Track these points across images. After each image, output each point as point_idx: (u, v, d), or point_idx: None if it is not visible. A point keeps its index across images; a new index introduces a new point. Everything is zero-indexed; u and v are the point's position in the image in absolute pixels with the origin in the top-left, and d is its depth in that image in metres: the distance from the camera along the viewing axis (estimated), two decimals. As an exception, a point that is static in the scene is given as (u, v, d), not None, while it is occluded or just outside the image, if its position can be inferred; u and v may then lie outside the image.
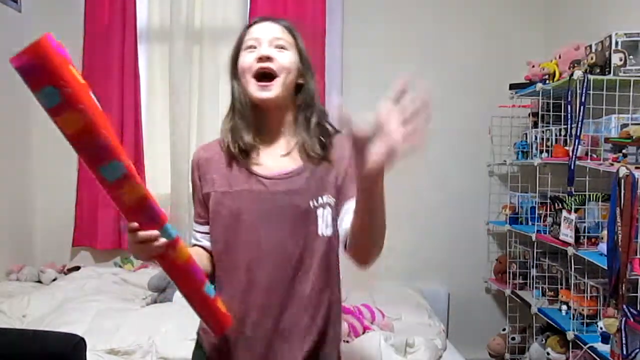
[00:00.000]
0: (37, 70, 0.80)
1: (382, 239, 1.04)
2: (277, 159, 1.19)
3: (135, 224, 0.95)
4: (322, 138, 1.19)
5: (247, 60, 1.16)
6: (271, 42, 1.17)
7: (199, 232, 1.28)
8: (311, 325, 1.18)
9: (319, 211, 1.16)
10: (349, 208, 1.09)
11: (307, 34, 3.58)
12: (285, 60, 1.16)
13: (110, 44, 3.20)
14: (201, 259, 1.22)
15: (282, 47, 1.17)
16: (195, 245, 1.28)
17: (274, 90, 1.15)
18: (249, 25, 1.22)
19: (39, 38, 0.79)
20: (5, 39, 2.98)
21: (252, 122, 1.20)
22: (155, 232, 0.96)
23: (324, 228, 1.16)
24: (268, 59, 1.14)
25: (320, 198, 1.16)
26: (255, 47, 1.16)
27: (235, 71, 1.21)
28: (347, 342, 2.19)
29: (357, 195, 0.97)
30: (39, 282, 2.96)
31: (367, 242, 1.05)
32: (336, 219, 1.17)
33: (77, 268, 3.10)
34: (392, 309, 2.64)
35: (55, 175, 3.27)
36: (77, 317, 2.28)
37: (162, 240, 0.97)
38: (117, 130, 3.19)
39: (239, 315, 1.16)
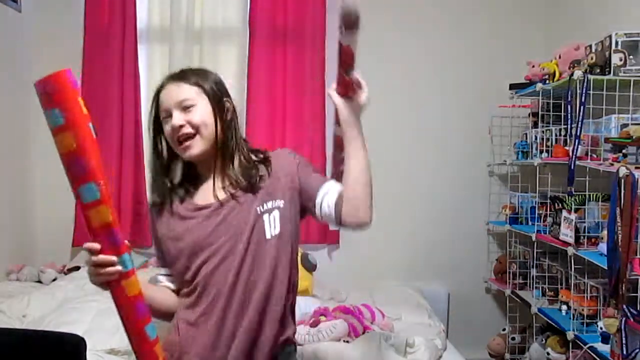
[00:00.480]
0: (51, 95, 0.98)
1: (370, 180, 1.25)
2: (212, 195, 1.28)
3: (96, 245, 1.06)
4: (249, 170, 1.28)
5: (167, 130, 1.26)
6: (179, 106, 1.24)
7: (161, 274, 1.35)
8: (265, 326, 1.24)
9: (265, 216, 1.24)
10: (325, 191, 1.26)
11: (307, 35, 3.58)
12: (196, 117, 1.24)
13: (110, 44, 3.19)
14: (167, 298, 1.31)
15: (189, 107, 1.24)
16: (161, 285, 1.35)
17: (195, 148, 1.25)
18: (158, 91, 1.29)
19: (59, 71, 0.97)
20: (5, 39, 2.98)
21: (177, 176, 1.32)
22: (112, 258, 1.06)
23: (272, 229, 1.24)
24: (181, 127, 1.23)
25: (266, 204, 1.25)
26: (169, 117, 1.25)
27: (159, 129, 1.29)
28: (347, 342, 2.19)
29: (346, 134, 1.32)
30: (39, 282, 2.95)
31: (361, 182, 1.25)
32: (286, 217, 1.26)
33: (77, 268, 3.10)
34: (392, 309, 2.64)
35: (55, 175, 3.22)
36: (77, 317, 2.28)
37: (117, 267, 1.07)
38: (117, 131, 3.19)
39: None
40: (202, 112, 1.25)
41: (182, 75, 1.29)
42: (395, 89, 3.34)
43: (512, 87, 2.97)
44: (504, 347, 2.99)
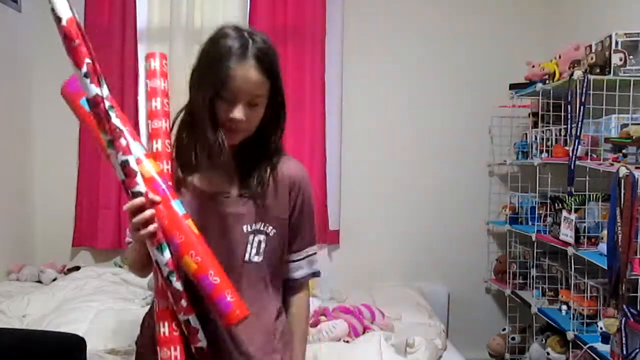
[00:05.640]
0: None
1: None
2: (217, 176, 1.18)
3: (157, 197, 1.03)
4: (266, 169, 1.19)
5: (221, 112, 1.11)
6: (248, 100, 1.11)
7: None
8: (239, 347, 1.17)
9: (251, 237, 1.16)
10: (299, 264, 1.25)
11: (307, 35, 3.56)
12: (256, 118, 1.14)
13: (110, 44, 3.19)
14: None
15: (255, 105, 1.12)
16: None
17: (238, 139, 1.15)
18: (229, 61, 1.09)
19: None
20: (5, 39, 2.98)
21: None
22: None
23: (252, 254, 1.17)
24: (240, 121, 1.11)
25: (254, 224, 1.17)
26: (230, 101, 1.10)
27: (207, 86, 1.11)
28: (347, 342, 2.19)
29: None
30: (39, 282, 2.95)
31: None
32: (276, 250, 1.20)
33: (77, 268, 3.10)
34: (392, 309, 2.64)
35: (55, 176, 3.27)
36: (77, 317, 2.28)
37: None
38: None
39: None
40: (261, 112, 1.14)
41: (264, 60, 1.11)
42: (395, 89, 3.34)
43: (512, 87, 2.97)
44: (504, 347, 2.99)
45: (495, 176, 3.36)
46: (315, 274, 1.29)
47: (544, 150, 2.61)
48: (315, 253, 1.28)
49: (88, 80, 0.97)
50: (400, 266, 3.35)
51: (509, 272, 3.00)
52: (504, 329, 3.07)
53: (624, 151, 2.01)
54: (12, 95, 3.03)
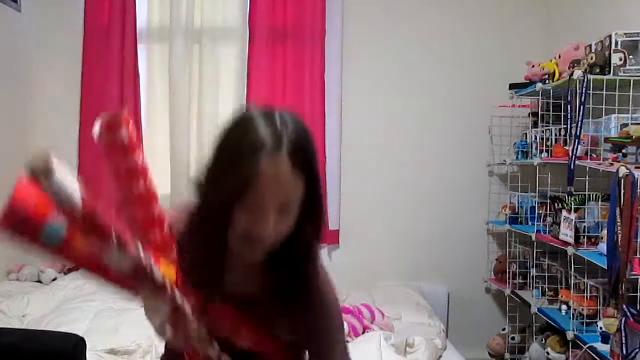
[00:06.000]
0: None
1: None
2: (232, 286, 1.00)
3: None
4: (294, 279, 1.01)
5: (241, 222, 0.89)
6: (278, 208, 0.89)
7: None
8: None
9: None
10: None
11: (307, 35, 3.56)
12: (286, 227, 0.91)
13: (110, 44, 3.19)
14: None
15: (285, 212, 0.90)
16: None
17: (260, 254, 0.95)
18: (256, 161, 0.84)
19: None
20: (5, 39, 2.98)
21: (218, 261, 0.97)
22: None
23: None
24: (267, 237, 0.92)
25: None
26: (255, 209, 0.88)
27: (225, 189, 0.89)
28: (347, 342, 2.19)
29: None
30: (39, 282, 2.95)
31: None
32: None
33: (77, 268, 3.10)
34: (392, 309, 2.64)
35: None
36: (77, 317, 2.28)
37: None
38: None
39: None
40: (292, 220, 0.91)
41: (297, 155, 0.87)
42: (395, 89, 3.34)
43: (512, 87, 2.97)
44: (504, 347, 2.99)
45: (495, 176, 3.36)
46: None
47: (544, 150, 2.61)
48: None
49: (122, 253, 0.76)
50: (400, 266, 3.35)
51: (509, 272, 3.00)
52: (504, 329, 3.07)
53: (624, 151, 2.01)
54: (12, 95, 3.03)
